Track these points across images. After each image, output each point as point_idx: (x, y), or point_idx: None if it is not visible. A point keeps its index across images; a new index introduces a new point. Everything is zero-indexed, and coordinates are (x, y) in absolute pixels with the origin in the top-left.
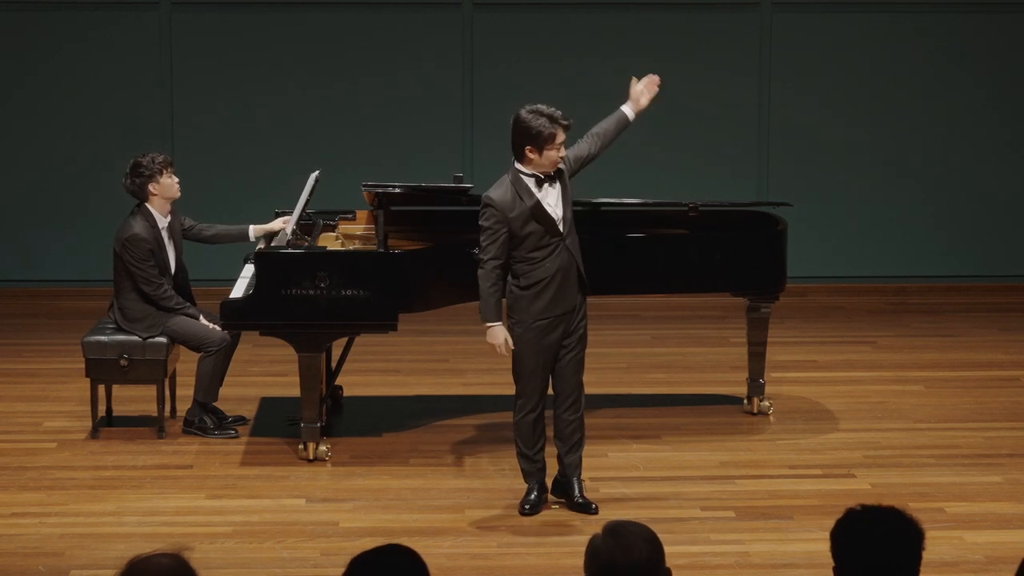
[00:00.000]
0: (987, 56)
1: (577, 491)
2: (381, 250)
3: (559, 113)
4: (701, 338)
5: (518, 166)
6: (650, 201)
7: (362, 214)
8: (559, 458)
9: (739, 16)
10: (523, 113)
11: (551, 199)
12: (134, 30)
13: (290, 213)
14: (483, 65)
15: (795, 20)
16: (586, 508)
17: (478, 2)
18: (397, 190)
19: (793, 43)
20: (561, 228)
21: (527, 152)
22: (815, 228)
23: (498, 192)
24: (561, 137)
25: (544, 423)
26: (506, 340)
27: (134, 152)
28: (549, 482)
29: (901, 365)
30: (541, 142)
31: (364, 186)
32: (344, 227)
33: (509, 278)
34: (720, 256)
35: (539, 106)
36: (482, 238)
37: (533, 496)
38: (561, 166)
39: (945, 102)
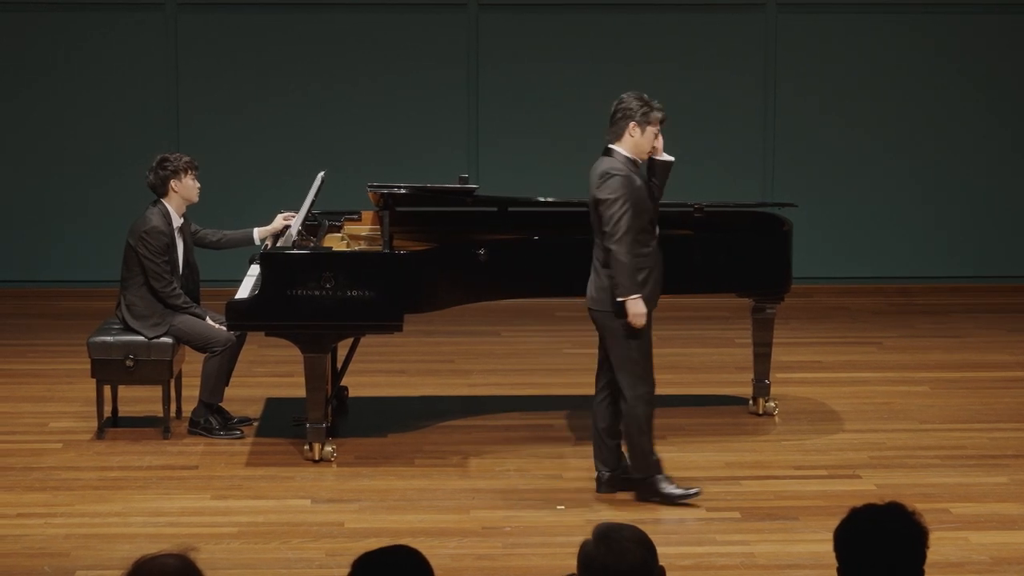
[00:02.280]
0: (993, 57)
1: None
2: (386, 251)
3: (654, 101)
4: (706, 339)
5: (618, 148)
6: None
7: (367, 215)
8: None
9: (744, 17)
10: (627, 95)
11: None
12: (139, 31)
13: (293, 212)
14: (488, 66)
15: (800, 21)
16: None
17: (483, 3)
18: (402, 191)
19: (798, 44)
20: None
21: (630, 129)
22: (820, 229)
23: (615, 163)
24: (656, 124)
25: None
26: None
27: (140, 153)
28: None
29: (906, 366)
30: (640, 123)
31: (370, 187)
32: (349, 228)
33: (604, 266)
34: (725, 257)
35: (630, 92)
36: (612, 210)
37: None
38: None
39: (950, 103)
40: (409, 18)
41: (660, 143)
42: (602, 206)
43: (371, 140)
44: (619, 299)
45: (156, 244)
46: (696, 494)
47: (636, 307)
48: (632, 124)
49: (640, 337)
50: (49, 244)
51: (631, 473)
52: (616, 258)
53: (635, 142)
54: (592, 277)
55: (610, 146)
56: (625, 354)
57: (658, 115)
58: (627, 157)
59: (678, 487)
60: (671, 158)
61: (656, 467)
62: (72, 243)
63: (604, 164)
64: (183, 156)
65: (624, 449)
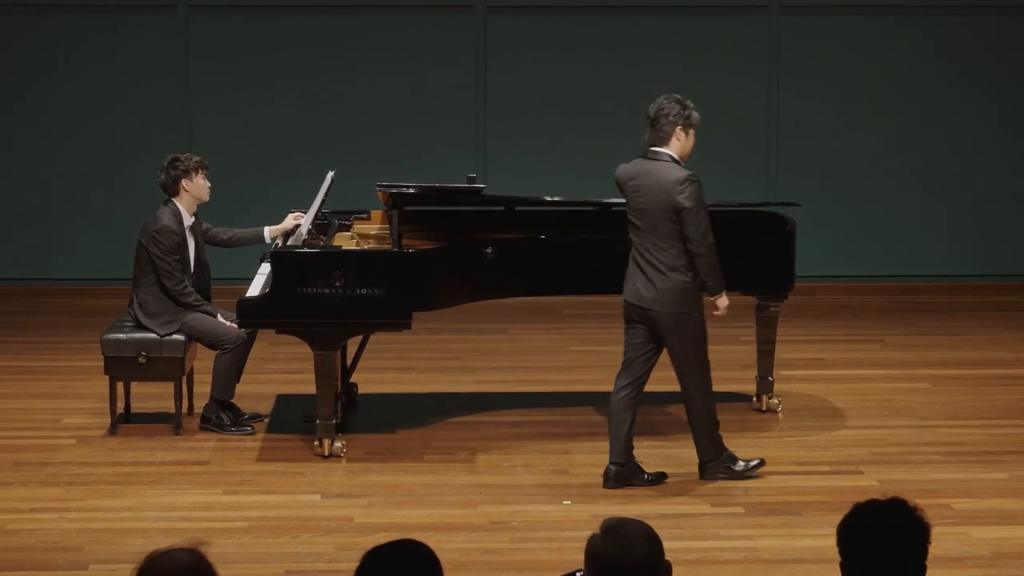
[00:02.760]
0: (995, 58)
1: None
2: (395, 249)
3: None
4: (711, 336)
5: (665, 151)
6: None
7: (377, 214)
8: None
9: (748, 19)
10: (666, 100)
11: None
12: (152, 32)
13: (304, 211)
14: (496, 67)
15: (802, 23)
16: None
17: (491, 5)
18: (411, 190)
19: (801, 46)
20: None
21: (676, 133)
22: (823, 228)
23: (680, 169)
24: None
25: None
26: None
27: (152, 153)
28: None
29: (908, 363)
30: (684, 128)
31: (379, 186)
32: (359, 227)
33: (671, 269)
34: (729, 256)
35: (670, 96)
36: (700, 218)
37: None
38: None
39: (952, 103)
40: (418, 20)
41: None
42: (686, 213)
43: (380, 140)
44: (713, 296)
45: (167, 243)
46: (759, 464)
47: (725, 300)
48: (679, 128)
49: (704, 332)
50: (62, 243)
51: (703, 457)
52: (709, 260)
53: (681, 145)
54: (643, 279)
55: (655, 148)
56: (693, 349)
57: (697, 117)
58: (675, 160)
59: (742, 460)
60: None
61: (722, 447)
62: (85, 242)
63: (669, 170)
64: (194, 156)
65: (693, 439)
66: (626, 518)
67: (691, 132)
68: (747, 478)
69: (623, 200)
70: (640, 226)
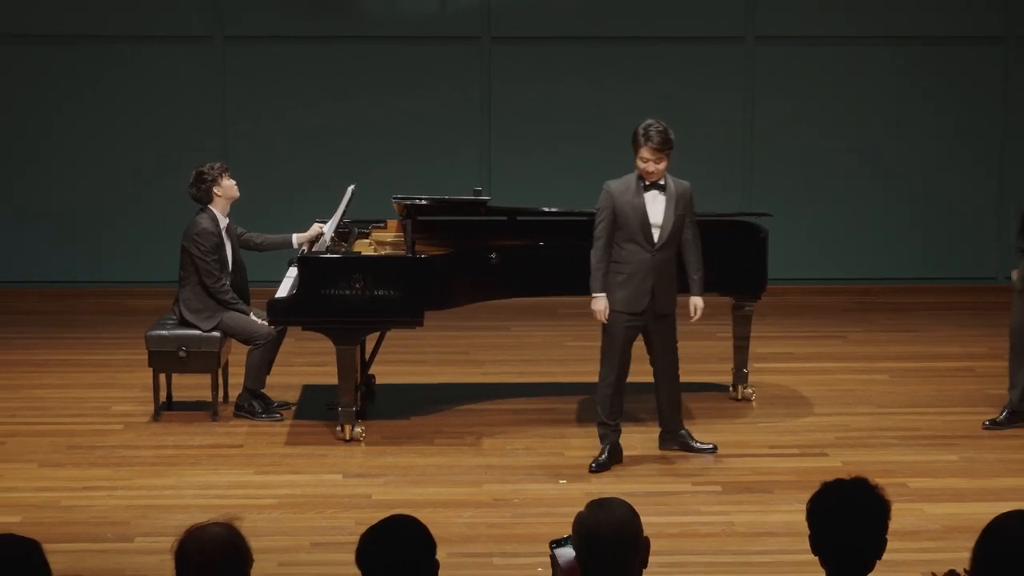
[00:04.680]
0: (947, 82)
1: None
2: (409, 255)
3: (654, 131)
4: (692, 333)
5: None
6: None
7: (393, 223)
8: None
9: (726, 48)
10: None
11: (655, 207)
12: (193, 61)
13: (327, 220)
14: (499, 91)
15: (775, 52)
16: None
17: (495, 36)
18: (424, 202)
19: (773, 71)
20: (655, 236)
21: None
22: (793, 236)
23: (617, 180)
24: (645, 153)
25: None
26: (605, 309)
27: (192, 167)
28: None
29: (868, 357)
30: (633, 147)
31: (395, 198)
32: (377, 234)
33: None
34: (710, 261)
35: (651, 121)
36: (595, 219)
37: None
38: (661, 182)
39: (907, 124)
40: (430, 50)
41: (649, 168)
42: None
43: (396, 157)
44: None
45: (207, 244)
46: (712, 449)
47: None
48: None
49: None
50: (113, 248)
51: (676, 427)
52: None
53: (638, 165)
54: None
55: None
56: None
57: (640, 133)
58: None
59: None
60: None
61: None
62: (133, 247)
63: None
64: (214, 164)
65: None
66: (609, 497)
67: (636, 149)
68: (698, 452)
69: None
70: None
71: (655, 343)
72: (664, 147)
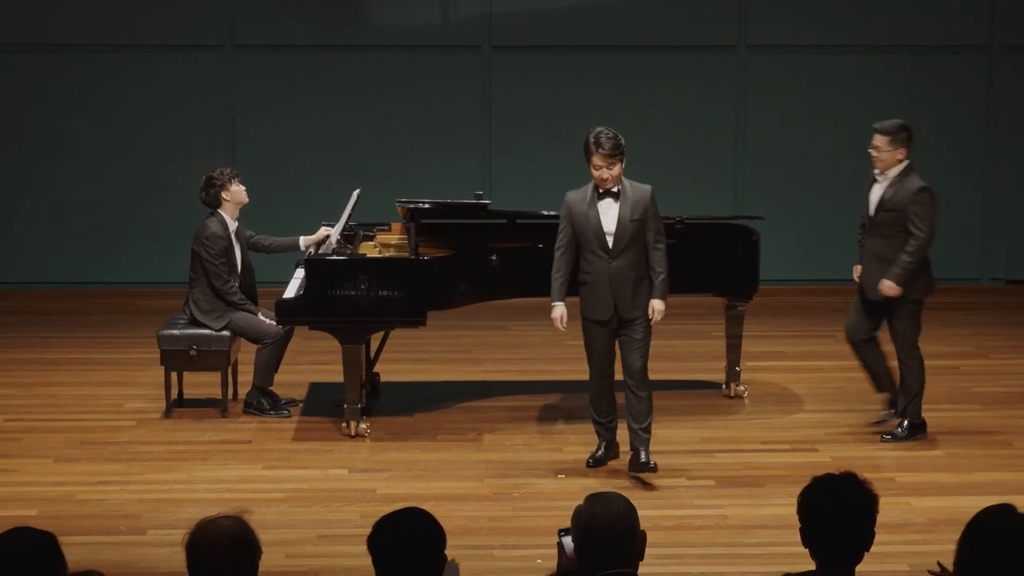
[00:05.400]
0: (932, 89)
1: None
2: (413, 257)
3: (604, 138)
4: (686, 332)
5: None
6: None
7: (396, 226)
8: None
9: (719, 57)
10: (592, 131)
11: (609, 214)
12: (202, 69)
13: (333, 223)
14: (500, 98)
15: (766, 60)
16: None
17: (495, 45)
18: (426, 205)
19: (764, 79)
20: (610, 244)
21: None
22: (784, 238)
23: (575, 191)
24: (596, 160)
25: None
26: (561, 317)
27: (201, 173)
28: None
29: None
30: (586, 156)
31: (398, 202)
32: (381, 237)
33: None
34: (703, 262)
35: (601, 129)
36: (558, 229)
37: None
38: (616, 189)
39: None
40: (433, 58)
41: (603, 175)
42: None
43: (399, 161)
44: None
45: (216, 248)
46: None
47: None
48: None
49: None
50: (125, 250)
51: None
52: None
53: (593, 174)
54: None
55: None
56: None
57: (592, 141)
58: (593, 185)
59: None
60: None
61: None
62: (145, 249)
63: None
64: (224, 169)
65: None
66: (607, 491)
67: (588, 158)
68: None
69: None
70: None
71: (623, 347)
72: (615, 152)
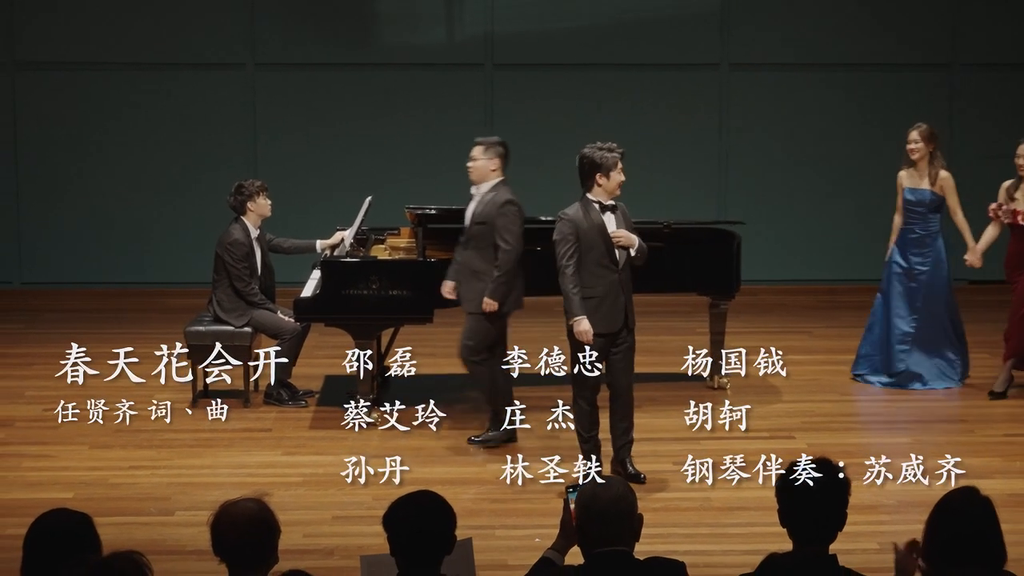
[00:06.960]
0: (898, 104)
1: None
2: (421, 259)
3: (618, 149)
4: (673, 329)
5: (588, 196)
6: (632, 220)
7: (406, 230)
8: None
9: (703, 74)
10: (586, 150)
11: (611, 227)
12: (227, 85)
13: (347, 228)
14: (501, 111)
15: (747, 77)
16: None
17: (497, 63)
18: (433, 211)
19: (745, 95)
20: (618, 255)
21: (597, 179)
22: (764, 241)
23: (571, 210)
24: (620, 169)
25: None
26: (588, 331)
27: (226, 181)
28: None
29: (831, 350)
30: (603, 171)
31: (407, 208)
32: (391, 240)
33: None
34: (688, 264)
35: (597, 143)
36: (561, 249)
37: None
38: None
39: (864, 141)
40: (439, 75)
41: (623, 177)
42: None
43: (408, 170)
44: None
45: (238, 253)
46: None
47: (577, 325)
48: (598, 175)
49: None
50: (155, 253)
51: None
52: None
53: (605, 187)
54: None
55: (585, 194)
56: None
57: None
58: (595, 200)
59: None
60: None
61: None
62: (173, 252)
63: (567, 208)
64: (256, 181)
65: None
66: (608, 475)
67: (608, 172)
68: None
69: None
70: None
71: (615, 362)
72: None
